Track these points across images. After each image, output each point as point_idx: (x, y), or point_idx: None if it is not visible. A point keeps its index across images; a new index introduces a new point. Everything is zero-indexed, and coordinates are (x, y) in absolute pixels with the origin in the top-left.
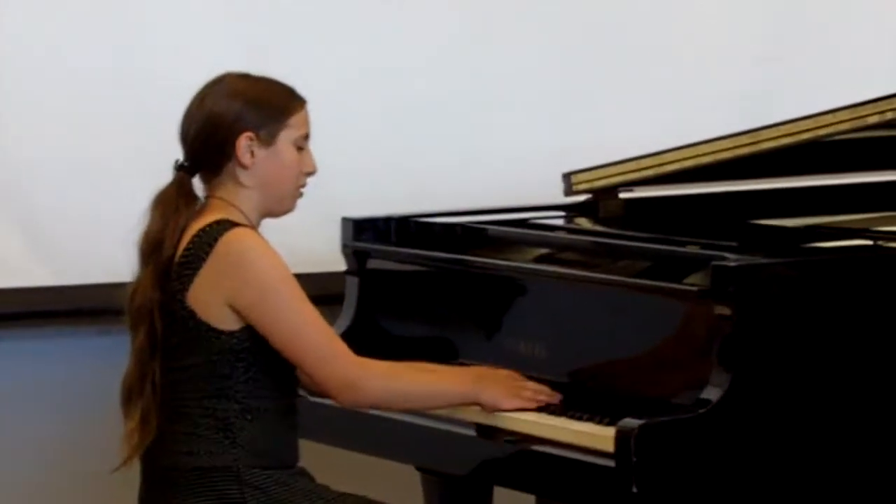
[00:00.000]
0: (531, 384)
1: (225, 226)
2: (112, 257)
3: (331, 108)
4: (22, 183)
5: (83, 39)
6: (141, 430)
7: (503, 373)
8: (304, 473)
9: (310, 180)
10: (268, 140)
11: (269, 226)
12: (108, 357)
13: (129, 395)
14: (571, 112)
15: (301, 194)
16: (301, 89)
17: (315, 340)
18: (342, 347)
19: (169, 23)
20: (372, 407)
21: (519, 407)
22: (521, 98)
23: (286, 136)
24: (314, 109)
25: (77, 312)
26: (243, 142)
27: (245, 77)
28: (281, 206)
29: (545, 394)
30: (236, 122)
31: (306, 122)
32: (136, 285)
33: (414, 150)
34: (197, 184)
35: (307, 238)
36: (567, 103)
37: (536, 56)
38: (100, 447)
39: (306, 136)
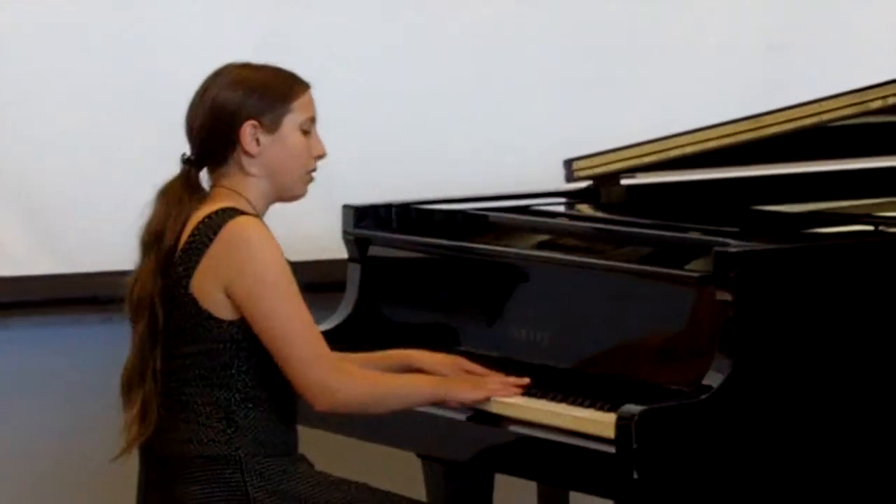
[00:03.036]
0: (495, 377)
1: (230, 213)
2: (115, 245)
3: (335, 96)
4: (24, 171)
5: (86, 28)
6: (140, 420)
7: (468, 370)
8: (303, 460)
9: None
10: (272, 126)
11: (270, 213)
12: (112, 345)
13: (130, 385)
14: (579, 103)
15: (312, 178)
16: (306, 77)
17: (300, 341)
18: (325, 351)
19: (173, 14)
20: (347, 412)
21: (485, 396)
22: (528, 88)
23: (291, 121)
24: (319, 98)
25: (80, 301)
26: (248, 130)
27: (246, 66)
28: (291, 191)
29: (510, 382)
30: (239, 110)
31: (311, 106)
32: (136, 277)
33: (418, 139)
34: (203, 176)
35: (309, 225)
36: (574, 94)
37: (544, 48)
38: (103, 435)
39: (312, 120)
